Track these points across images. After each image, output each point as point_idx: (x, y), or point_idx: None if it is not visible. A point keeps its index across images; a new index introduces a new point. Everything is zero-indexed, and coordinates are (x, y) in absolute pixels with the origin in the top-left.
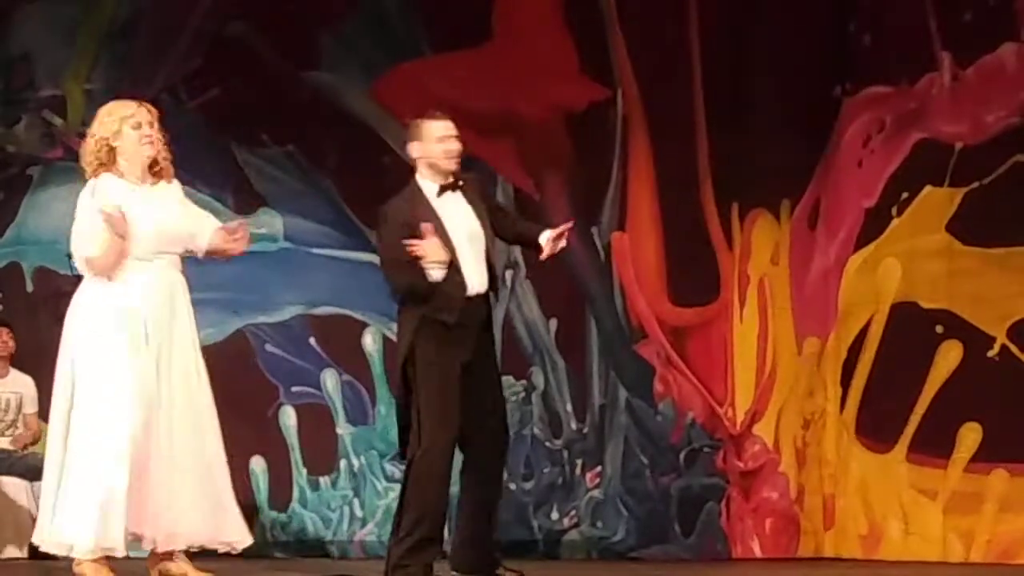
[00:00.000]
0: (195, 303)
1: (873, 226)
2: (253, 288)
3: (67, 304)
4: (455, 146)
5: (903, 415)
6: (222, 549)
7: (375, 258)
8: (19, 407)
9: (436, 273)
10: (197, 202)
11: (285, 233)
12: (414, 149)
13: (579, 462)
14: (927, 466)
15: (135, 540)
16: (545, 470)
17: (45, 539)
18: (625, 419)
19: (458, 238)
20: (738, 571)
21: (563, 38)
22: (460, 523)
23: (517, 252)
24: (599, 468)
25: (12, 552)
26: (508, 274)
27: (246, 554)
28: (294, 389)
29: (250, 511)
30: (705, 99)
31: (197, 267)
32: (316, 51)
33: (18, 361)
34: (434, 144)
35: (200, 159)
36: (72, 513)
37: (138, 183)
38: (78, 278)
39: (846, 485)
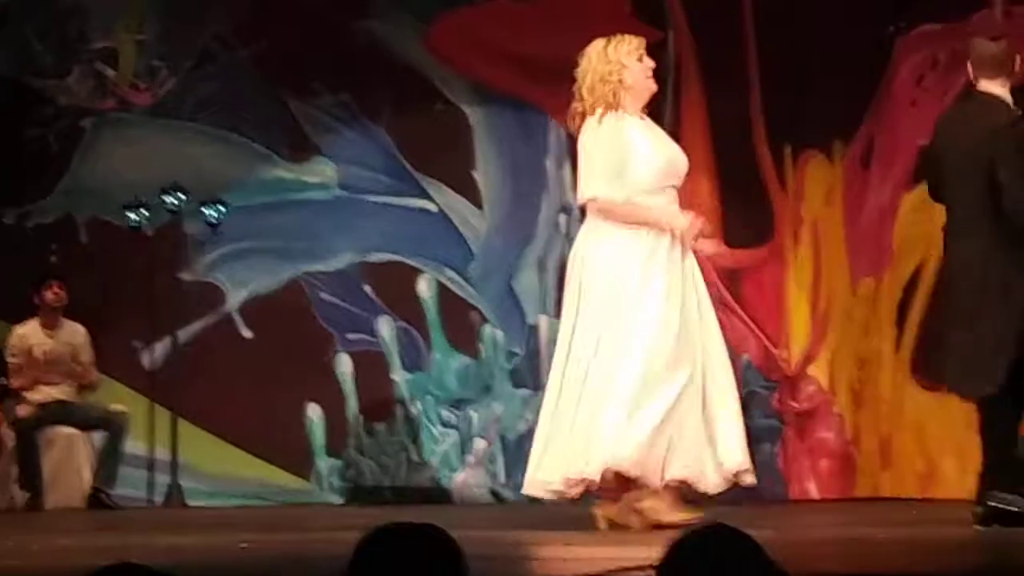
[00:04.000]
0: (252, 252)
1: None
2: (308, 236)
3: (121, 255)
4: None
5: None
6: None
7: (429, 204)
8: (73, 357)
9: None
10: (251, 152)
11: (339, 181)
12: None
13: None
14: None
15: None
16: None
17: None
18: None
19: None
20: (795, 512)
21: None
22: None
23: (570, 195)
24: None
25: (70, 501)
26: (562, 219)
27: (305, 500)
28: (349, 336)
29: (306, 457)
30: (757, 41)
31: (251, 216)
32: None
33: (73, 311)
34: None
35: (253, 108)
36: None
37: (638, 117)
38: (133, 230)
39: (902, 425)
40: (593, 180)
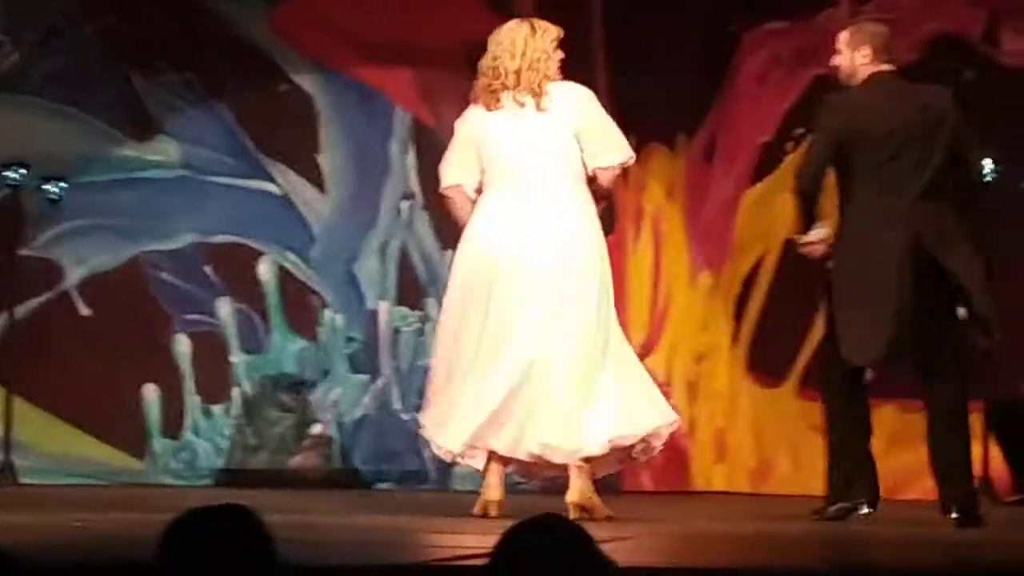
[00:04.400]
0: (92, 229)
1: (768, 161)
2: (149, 215)
3: None
4: None
5: (794, 351)
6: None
7: (271, 186)
8: None
9: None
10: (94, 129)
11: (182, 160)
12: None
13: None
14: (817, 401)
15: None
16: None
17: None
18: None
19: None
20: (628, 503)
21: None
22: None
23: (414, 182)
24: None
25: None
26: (404, 205)
27: (140, 480)
28: (188, 317)
29: (142, 438)
30: (604, 32)
31: (92, 194)
32: None
33: None
34: None
35: (98, 85)
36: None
37: None
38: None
39: (737, 420)
40: (624, 140)
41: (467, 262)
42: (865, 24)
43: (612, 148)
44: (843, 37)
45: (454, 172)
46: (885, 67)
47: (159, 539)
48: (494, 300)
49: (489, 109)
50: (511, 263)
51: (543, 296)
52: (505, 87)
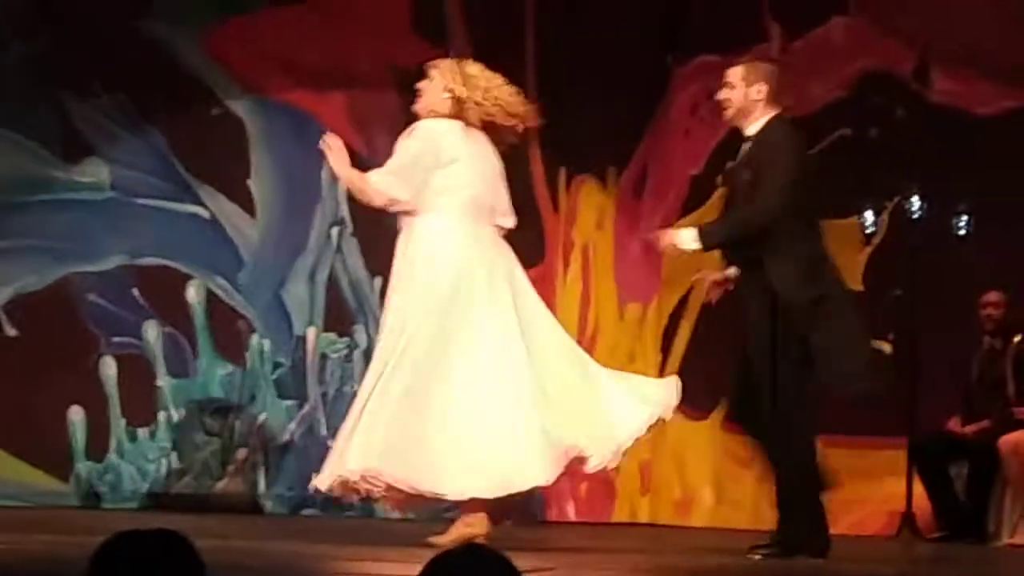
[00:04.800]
0: (20, 250)
1: (698, 195)
2: (78, 237)
3: None
4: None
5: (720, 384)
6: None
7: (201, 210)
8: None
9: None
10: (24, 150)
11: (112, 182)
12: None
13: None
14: (742, 434)
15: None
16: None
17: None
18: None
19: None
20: (552, 534)
21: None
22: None
23: (344, 208)
24: None
25: None
26: (334, 231)
27: (63, 502)
28: (115, 339)
29: (66, 460)
30: (537, 64)
31: (21, 214)
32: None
33: None
34: None
35: (28, 105)
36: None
37: None
38: None
39: (663, 451)
40: None
41: (451, 282)
42: (759, 62)
43: (511, 212)
44: (737, 72)
45: (406, 189)
46: (778, 110)
47: (90, 562)
48: (505, 331)
49: (470, 135)
50: (509, 294)
51: (543, 326)
52: (518, 127)
